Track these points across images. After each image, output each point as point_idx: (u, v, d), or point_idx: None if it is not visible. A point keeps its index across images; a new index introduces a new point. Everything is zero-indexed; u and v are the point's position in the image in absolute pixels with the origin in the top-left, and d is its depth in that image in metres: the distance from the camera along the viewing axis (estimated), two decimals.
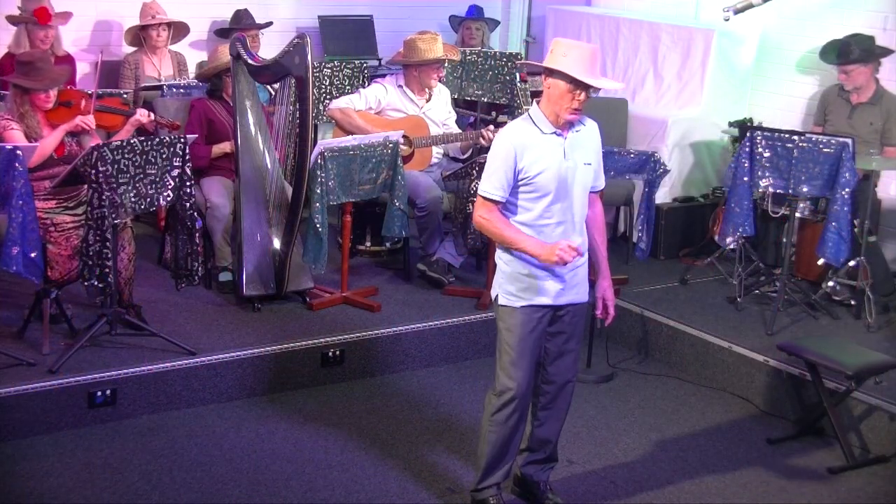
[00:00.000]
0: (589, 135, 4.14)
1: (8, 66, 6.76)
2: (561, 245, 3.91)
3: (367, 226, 6.73)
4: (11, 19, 6.88)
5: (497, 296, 4.15)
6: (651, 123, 7.33)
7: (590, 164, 4.11)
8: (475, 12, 8.58)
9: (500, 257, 4.13)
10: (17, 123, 5.25)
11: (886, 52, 6.50)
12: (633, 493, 4.57)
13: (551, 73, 3.96)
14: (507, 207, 4.06)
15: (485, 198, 4.03)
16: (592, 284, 4.27)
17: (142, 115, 5.70)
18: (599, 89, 4.07)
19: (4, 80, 5.48)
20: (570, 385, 4.29)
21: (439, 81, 6.66)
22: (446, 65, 7.33)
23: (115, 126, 5.76)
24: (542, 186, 3.99)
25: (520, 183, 4.00)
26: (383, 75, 6.99)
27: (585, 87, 3.94)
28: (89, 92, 5.72)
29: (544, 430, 4.31)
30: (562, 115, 3.98)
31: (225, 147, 6.12)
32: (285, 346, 5.35)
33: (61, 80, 5.52)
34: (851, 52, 6.41)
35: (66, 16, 6.99)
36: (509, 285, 4.09)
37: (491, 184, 4.01)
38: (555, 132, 4.01)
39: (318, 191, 5.58)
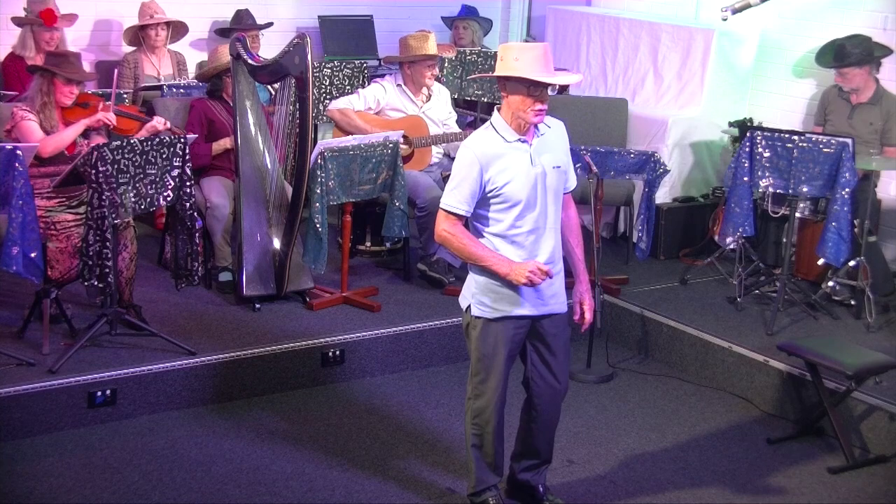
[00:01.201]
0: (555, 136, 4.07)
1: (11, 67, 6.78)
2: (530, 267, 3.85)
3: (367, 226, 6.74)
4: (17, 21, 6.89)
5: (469, 306, 4.07)
6: (651, 123, 7.33)
7: (559, 166, 4.03)
8: (465, 11, 8.59)
9: (473, 267, 4.05)
10: (34, 115, 5.27)
11: (885, 53, 6.50)
12: (633, 493, 4.57)
13: (507, 80, 3.90)
14: (477, 219, 3.99)
15: (448, 212, 3.95)
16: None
17: (158, 123, 5.72)
18: (557, 87, 4.01)
19: (31, 71, 5.51)
20: (560, 397, 4.22)
21: (435, 80, 6.66)
22: (446, 65, 7.34)
23: (130, 130, 5.77)
24: (512, 196, 3.92)
25: (488, 195, 3.92)
26: (383, 75, 6.99)
27: (545, 87, 3.88)
28: (105, 92, 5.76)
29: (536, 439, 4.27)
30: (526, 119, 3.90)
31: (225, 143, 6.12)
32: (285, 346, 5.35)
33: (88, 79, 5.67)
34: (847, 55, 6.41)
35: (71, 18, 7.00)
36: (483, 296, 4.02)
37: (455, 197, 3.93)
38: (519, 139, 3.94)
39: (318, 191, 5.58)
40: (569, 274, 4.20)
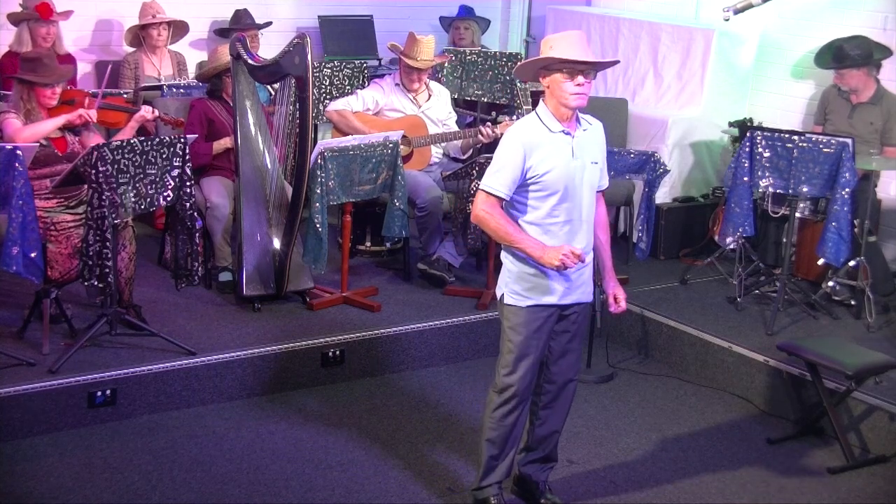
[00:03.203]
0: (595, 134, 4.14)
1: (9, 64, 6.78)
2: (564, 250, 3.90)
3: (367, 226, 6.74)
4: (13, 17, 6.89)
5: (503, 294, 4.14)
6: (651, 123, 7.33)
7: (596, 162, 4.11)
8: (464, 12, 8.59)
9: (507, 256, 4.12)
10: (19, 117, 5.26)
11: (885, 55, 6.49)
12: (633, 493, 4.57)
13: (545, 68, 3.97)
14: (513, 206, 4.05)
15: (488, 192, 4.01)
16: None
17: (146, 112, 5.71)
18: (595, 71, 4.02)
19: (8, 79, 5.51)
20: (573, 384, 4.30)
21: (435, 81, 6.65)
22: (446, 65, 7.32)
23: (118, 123, 5.77)
24: (550, 185, 3.98)
25: (528, 182, 3.99)
26: (383, 75, 6.99)
27: (580, 69, 3.92)
28: (93, 92, 5.74)
29: (545, 428, 4.32)
30: (566, 103, 3.95)
31: (225, 142, 6.12)
32: (285, 346, 5.35)
33: (66, 77, 5.61)
34: (845, 57, 6.40)
35: (67, 13, 7.00)
36: (515, 284, 4.09)
37: (497, 180, 3.99)
38: (563, 131, 4.00)
39: (318, 191, 5.58)
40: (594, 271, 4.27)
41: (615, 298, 4.25)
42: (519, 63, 4.34)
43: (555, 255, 3.90)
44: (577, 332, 4.22)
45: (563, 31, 4.18)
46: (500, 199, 4.01)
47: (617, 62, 4.54)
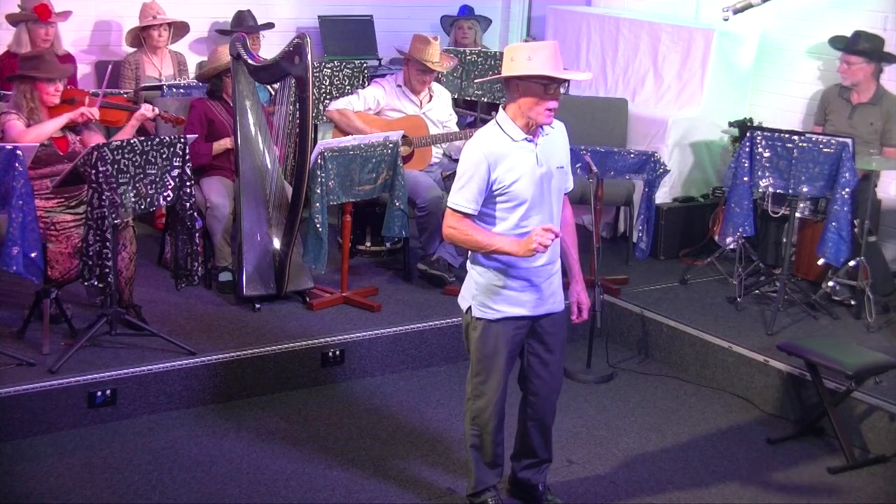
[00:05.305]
0: (558, 137, 4.06)
1: (7, 65, 6.78)
2: (536, 231, 3.77)
3: (367, 226, 6.74)
4: (11, 17, 6.89)
5: (470, 307, 4.07)
6: (651, 123, 7.33)
7: (562, 167, 4.04)
8: (467, 11, 8.59)
9: (473, 267, 4.04)
10: (21, 118, 5.25)
11: (890, 61, 6.49)
12: (633, 493, 4.57)
13: (520, 80, 3.85)
14: (482, 218, 3.96)
15: (455, 210, 3.93)
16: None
17: (147, 110, 5.71)
18: (569, 86, 3.97)
19: (8, 80, 5.51)
20: (556, 395, 4.25)
21: (435, 81, 6.65)
22: (443, 74, 7.32)
23: (118, 121, 5.77)
24: (518, 195, 3.91)
25: (495, 193, 3.91)
26: (383, 75, 6.99)
27: (559, 85, 3.87)
28: (94, 91, 5.75)
29: (533, 438, 4.28)
30: (537, 119, 3.88)
31: (225, 143, 6.12)
32: (285, 346, 5.35)
33: (67, 74, 5.63)
34: (859, 43, 6.40)
35: (65, 14, 7.01)
36: (483, 297, 4.01)
37: (463, 196, 3.90)
38: (526, 139, 3.93)
39: (318, 191, 5.59)
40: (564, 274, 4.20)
41: (578, 307, 4.17)
42: (495, 74, 4.23)
43: (529, 242, 3.77)
44: (554, 343, 4.14)
45: (535, 42, 4.09)
46: (467, 215, 3.92)
47: (590, 75, 4.45)
